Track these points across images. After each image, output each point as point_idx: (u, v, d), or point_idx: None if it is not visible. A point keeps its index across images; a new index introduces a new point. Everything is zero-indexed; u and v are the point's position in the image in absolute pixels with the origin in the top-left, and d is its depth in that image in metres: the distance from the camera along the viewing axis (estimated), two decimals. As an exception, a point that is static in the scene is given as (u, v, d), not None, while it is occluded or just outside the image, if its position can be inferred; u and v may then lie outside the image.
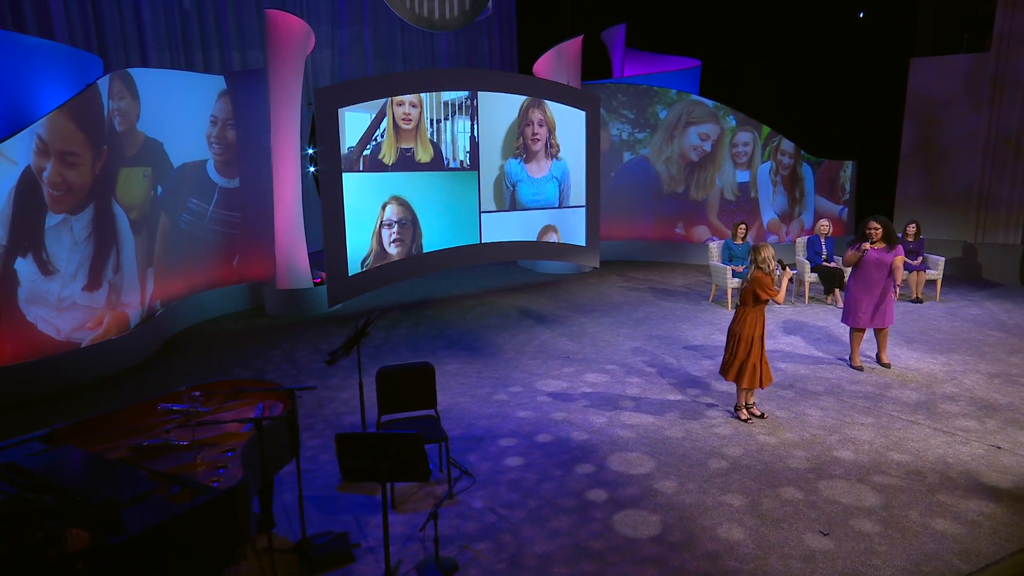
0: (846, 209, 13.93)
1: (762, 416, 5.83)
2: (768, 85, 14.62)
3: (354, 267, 9.35)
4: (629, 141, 13.50)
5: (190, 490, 2.90)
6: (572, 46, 12.09)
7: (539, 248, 11.41)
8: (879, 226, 6.74)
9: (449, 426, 5.81)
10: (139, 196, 8.28)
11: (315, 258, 10.56)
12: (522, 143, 10.80)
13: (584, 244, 11.84)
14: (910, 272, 9.69)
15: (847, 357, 7.20)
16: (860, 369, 6.95)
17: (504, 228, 10.79)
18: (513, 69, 16.89)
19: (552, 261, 11.98)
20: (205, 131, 9.57)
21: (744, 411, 5.75)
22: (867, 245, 6.73)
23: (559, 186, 11.37)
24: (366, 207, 9.39)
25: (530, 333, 8.56)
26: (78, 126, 7.09)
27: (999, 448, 5.12)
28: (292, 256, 9.83)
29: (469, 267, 12.36)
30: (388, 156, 9.52)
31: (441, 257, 10.24)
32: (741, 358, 5.58)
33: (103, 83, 7.56)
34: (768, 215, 13.18)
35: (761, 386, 5.63)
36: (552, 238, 11.37)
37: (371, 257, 9.47)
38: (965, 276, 11.42)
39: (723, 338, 8.08)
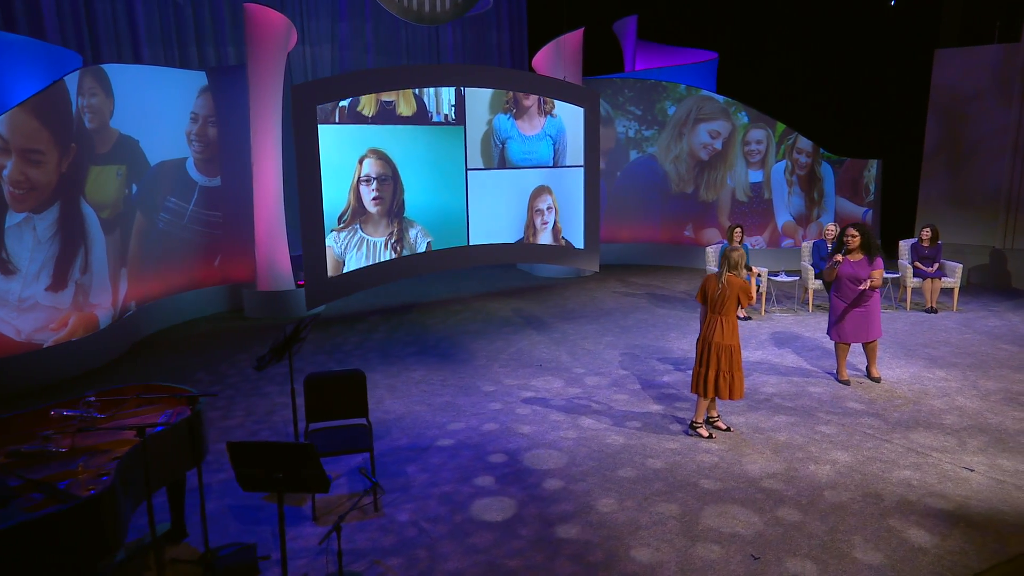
0: (870, 211, 13.63)
1: (727, 430, 5.76)
2: (787, 79, 14.41)
3: (331, 223, 9.26)
4: (636, 139, 13.43)
5: (51, 498, 2.98)
6: (572, 39, 12.07)
7: (535, 251, 11.40)
8: (857, 233, 6.57)
9: (396, 435, 5.86)
10: (111, 195, 8.50)
11: (300, 261, 10.70)
12: (512, 98, 10.72)
13: (582, 247, 11.80)
14: (924, 280, 9.47)
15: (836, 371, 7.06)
16: (847, 383, 6.81)
17: (493, 187, 10.65)
18: (522, 63, 16.91)
19: (549, 265, 11.98)
20: (185, 128, 9.79)
21: (704, 427, 5.67)
22: (840, 257, 6.57)
23: (553, 144, 11.24)
24: (342, 161, 9.28)
25: (508, 340, 8.57)
26: (42, 123, 7.31)
27: (971, 471, 4.97)
28: (273, 257, 9.99)
29: (463, 270, 12.43)
30: (368, 108, 9.47)
31: (430, 260, 10.30)
32: (719, 368, 5.50)
33: (71, 79, 7.79)
34: (783, 217, 12.99)
35: (732, 398, 5.55)
36: (546, 201, 11.22)
37: (348, 213, 9.39)
38: (992, 284, 11.10)
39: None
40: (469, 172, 10.40)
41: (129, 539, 4.18)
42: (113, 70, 8.61)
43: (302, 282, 10.24)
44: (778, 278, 9.64)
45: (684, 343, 8.27)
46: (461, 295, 11.13)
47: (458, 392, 6.83)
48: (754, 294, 5.56)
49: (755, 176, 12.91)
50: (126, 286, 8.81)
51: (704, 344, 5.54)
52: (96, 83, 8.27)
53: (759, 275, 5.69)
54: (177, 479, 4.09)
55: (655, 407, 6.33)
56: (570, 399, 6.59)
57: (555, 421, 6.06)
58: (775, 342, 8.24)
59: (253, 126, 9.64)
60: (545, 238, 11.35)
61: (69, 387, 7.21)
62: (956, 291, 9.54)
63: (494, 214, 10.78)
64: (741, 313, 9.29)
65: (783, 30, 14.32)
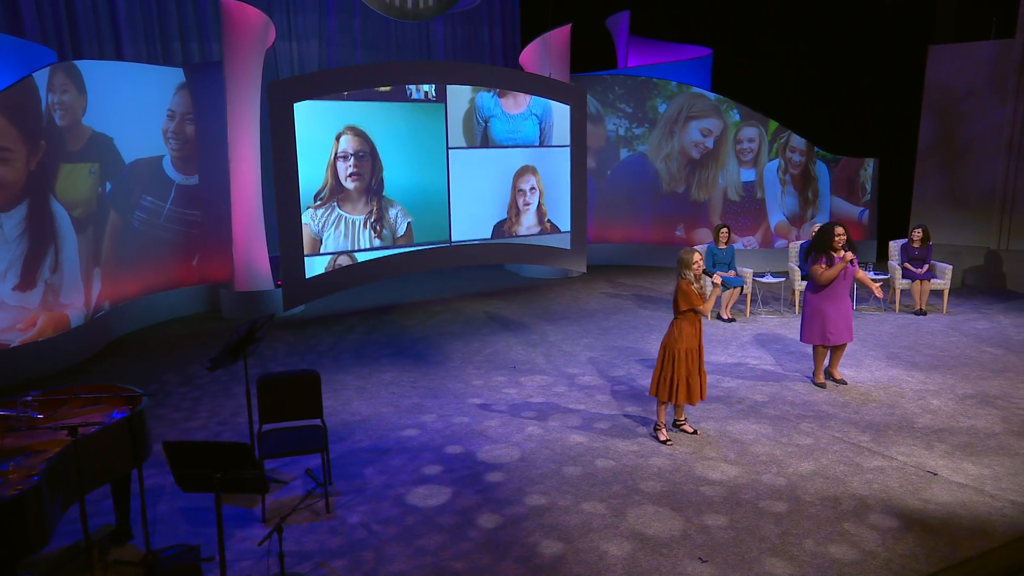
0: (867, 211, 13.67)
1: (694, 433, 5.81)
2: (782, 76, 14.44)
3: (307, 200, 9.30)
4: (626, 137, 13.48)
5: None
6: (559, 36, 12.13)
7: (522, 252, 11.46)
8: (844, 231, 6.62)
9: (359, 437, 5.93)
10: (84, 193, 8.59)
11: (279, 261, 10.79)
12: None
13: (569, 247, 11.86)
14: (913, 281, 9.49)
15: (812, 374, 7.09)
16: (823, 387, 6.85)
17: (475, 166, 10.66)
18: (514, 60, 16.97)
19: (536, 265, 12.03)
20: (162, 126, 9.88)
21: (664, 431, 5.72)
22: (849, 254, 6.56)
23: (539, 123, 11.24)
24: (319, 137, 9.33)
25: (485, 341, 8.63)
26: (9, 120, 7.41)
27: (934, 475, 5.02)
28: (251, 257, 10.07)
29: (449, 270, 12.49)
30: None
31: (413, 261, 10.36)
32: (675, 373, 5.55)
33: (40, 76, 7.88)
34: (776, 217, 13.03)
35: (691, 402, 5.60)
36: (530, 181, 11.22)
37: (326, 191, 9.43)
38: (987, 286, 11.12)
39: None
40: (451, 151, 10.42)
41: (72, 540, 4.25)
42: (86, 66, 8.70)
43: (281, 282, 10.33)
44: (764, 279, 9.68)
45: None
46: (444, 296, 11.20)
47: (427, 394, 6.90)
48: (699, 300, 5.43)
49: (747, 175, 12.94)
50: (100, 286, 8.90)
51: (661, 347, 5.63)
52: (68, 80, 8.37)
53: (719, 283, 5.63)
54: (120, 480, 4.15)
55: (627, 409, 6.38)
56: (540, 401, 6.64)
57: (521, 423, 6.12)
58: (755, 344, 8.29)
59: (230, 124, 9.72)
60: (528, 219, 11.34)
61: (35, 387, 7.28)
62: (946, 293, 9.56)
63: (476, 194, 10.79)
64: (725, 315, 9.33)
65: (778, 25, 14.35)
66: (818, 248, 6.64)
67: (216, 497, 3.72)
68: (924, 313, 9.43)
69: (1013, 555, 4.05)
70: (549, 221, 11.61)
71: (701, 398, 5.65)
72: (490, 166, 10.87)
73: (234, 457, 3.61)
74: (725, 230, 9.58)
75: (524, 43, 17.25)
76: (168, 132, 9.96)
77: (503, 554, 4.22)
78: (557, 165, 11.54)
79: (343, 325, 9.57)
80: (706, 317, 5.67)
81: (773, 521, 4.48)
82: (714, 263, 9.58)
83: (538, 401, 6.65)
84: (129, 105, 9.33)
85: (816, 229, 9.70)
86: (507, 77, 10.98)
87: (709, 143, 12.97)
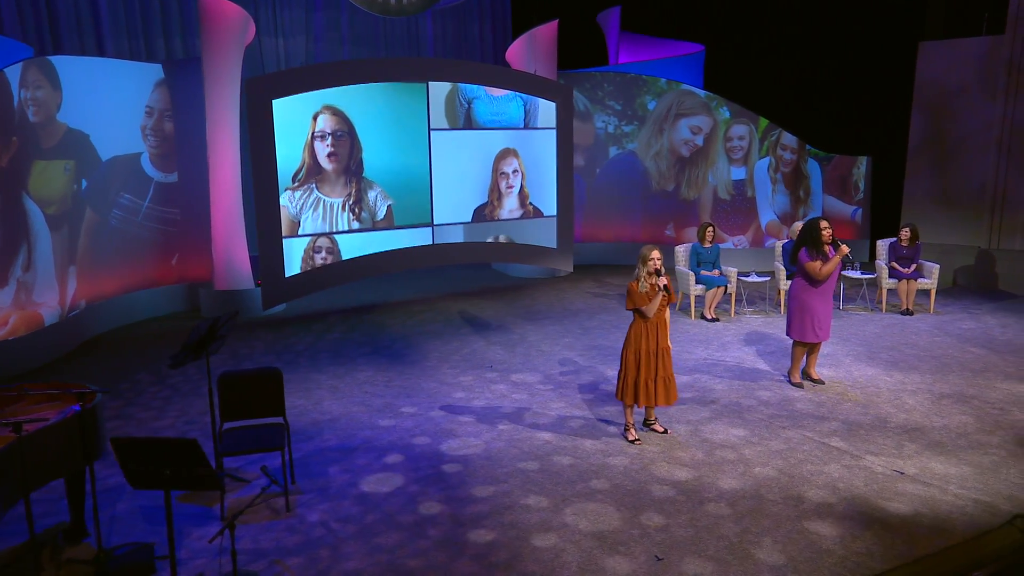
0: (860, 210, 13.73)
1: (664, 432, 5.87)
2: (774, 72, 14.49)
3: (285, 181, 9.32)
4: (615, 134, 13.54)
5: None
6: (545, 31, 12.21)
7: (506, 250, 11.52)
8: (828, 225, 6.69)
9: (328, 436, 6.00)
10: (58, 190, 8.66)
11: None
12: None
13: (555, 246, 11.91)
14: (900, 281, 9.55)
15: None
16: (800, 386, 6.90)
17: (457, 147, 10.63)
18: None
19: (522, 264, 12.09)
20: (140, 122, 9.95)
21: (632, 431, 5.77)
22: (845, 248, 6.60)
23: (524, 105, 11.24)
24: (295, 116, 9.33)
25: (464, 341, 8.69)
26: (-20, 117, 7.49)
27: (901, 474, 5.07)
28: (231, 255, 10.13)
29: (434, 269, 12.54)
30: None
31: (396, 260, 10.42)
32: (626, 375, 5.62)
33: (12, 72, 7.95)
34: (767, 216, 13.08)
35: (656, 404, 5.65)
36: (512, 164, 11.20)
37: (303, 171, 9.44)
38: (978, 286, 11.17)
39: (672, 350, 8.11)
40: (432, 132, 10.44)
41: (24, 539, 4.31)
42: (61, 62, 8.77)
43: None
44: (749, 278, 9.74)
45: (644, 345, 8.38)
46: (427, 295, 11.26)
47: (400, 393, 6.96)
48: (643, 300, 5.43)
49: (738, 173, 13.00)
50: (75, 284, 8.96)
51: (622, 349, 5.75)
52: (41, 75, 8.43)
53: (665, 285, 5.54)
54: (73, 477, 4.22)
55: (601, 409, 6.44)
56: (513, 400, 6.70)
57: (491, 423, 6.18)
58: (737, 343, 8.34)
59: (209, 121, 9.78)
60: (511, 203, 11.32)
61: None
62: (933, 292, 9.62)
63: (459, 177, 10.77)
64: (709, 315, 9.38)
65: (770, 21, 14.41)
66: (808, 245, 6.66)
67: (166, 494, 3.78)
68: (911, 313, 9.48)
69: (968, 553, 4.11)
70: (531, 204, 11.59)
71: (666, 402, 5.67)
72: (473, 148, 10.83)
73: (183, 454, 3.68)
74: (710, 229, 9.64)
75: (515, 39, 17.34)
76: (146, 129, 10.03)
77: (459, 552, 4.28)
78: (540, 148, 11.51)
79: (323, 324, 9.64)
80: (646, 319, 5.48)
81: (734, 520, 4.54)
82: (698, 262, 9.65)
83: (511, 400, 6.71)
84: (106, 101, 9.39)
85: (798, 228, 9.78)
86: (491, 74, 11.05)
87: (699, 141, 13.03)
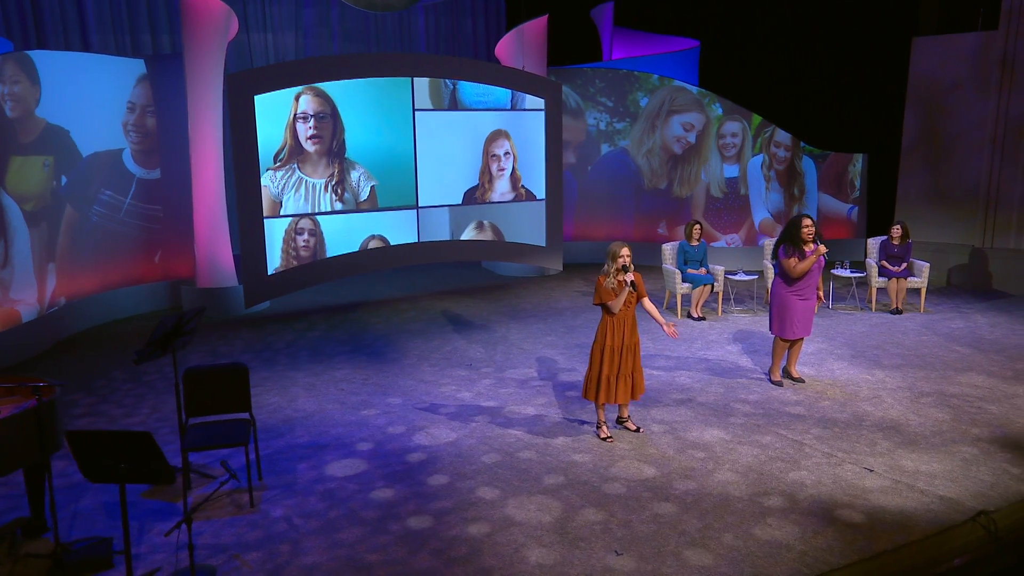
0: (856, 208, 13.78)
1: (637, 430, 5.94)
2: (769, 68, 14.56)
3: (266, 162, 9.42)
4: (607, 131, 13.61)
5: None
6: (535, 27, 12.27)
7: (494, 248, 11.60)
8: (812, 223, 6.76)
9: (299, 433, 6.08)
10: (36, 186, 8.75)
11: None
12: None
13: (544, 244, 11.98)
14: (890, 279, 9.60)
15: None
16: (779, 384, 6.97)
17: (444, 128, 10.69)
18: (498, 53, 17.12)
19: (512, 263, 12.16)
20: (121, 118, 10.04)
21: (604, 429, 5.84)
22: (823, 248, 6.70)
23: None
24: (277, 97, 9.42)
25: (446, 339, 8.77)
26: (-44, 112, 7.58)
27: (871, 471, 5.14)
28: (214, 252, 10.21)
29: (424, 268, 12.61)
30: None
31: (381, 258, 10.50)
32: (590, 371, 5.69)
33: (-10, 67, 8.06)
34: (760, 214, 13.14)
35: (619, 401, 5.72)
36: (503, 146, 11.24)
37: (285, 152, 9.52)
38: (972, 285, 11.22)
39: (654, 348, 8.20)
40: (417, 113, 10.49)
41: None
42: (40, 57, 8.86)
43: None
44: (736, 277, 9.80)
45: (627, 343, 8.45)
46: (414, 293, 11.33)
47: (376, 391, 7.04)
48: (609, 295, 5.52)
49: (731, 171, 13.06)
50: (54, 281, 9.05)
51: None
52: (19, 70, 8.53)
53: (632, 281, 5.62)
54: (32, 472, 4.30)
55: (575, 408, 6.51)
56: (487, 399, 6.78)
57: (465, 420, 6.26)
58: (722, 342, 8.41)
59: (191, 117, 9.86)
60: (502, 186, 11.35)
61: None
62: (923, 291, 9.68)
63: (446, 159, 10.82)
64: (696, 313, 9.45)
65: (763, 16, 14.47)
66: (788, 241, 6.75)
67: (121, 487, 3.86)
68: (900, 312, 9.53)
69: (928, 550, 4.17)
70: (524, 187, 11.63)
71: (630, 399, 5.79)
72: (460, 130, 10.86)
73: (137, 447, 3.76)
74: (697, 226, 9.71)
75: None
76: (128, 125, 10.12)
77: (419, 546, 4.36)
78: (531, 129, 11.54)
79: (305, 322, 9.72)
80: (612, 314, 5.56)
81: (697, 516, 4.61)
82: (685, 260, 9.71)
83: (487, 398, 6.79)
84: (86, 97, 9.48)
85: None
86: (478, 70, 11.13)
87: (691, 138, 13.09)
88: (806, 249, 6.63)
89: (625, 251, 5.52)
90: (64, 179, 9.23)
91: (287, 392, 7.07)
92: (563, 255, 12.34)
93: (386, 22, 16.31)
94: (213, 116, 9.95)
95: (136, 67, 10.16)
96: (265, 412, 6.53)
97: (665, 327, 5.75)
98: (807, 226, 6.68)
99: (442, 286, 11.85)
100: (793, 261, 6.60)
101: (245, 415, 5.17)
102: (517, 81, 11.37)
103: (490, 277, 12.67)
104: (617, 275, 5.55)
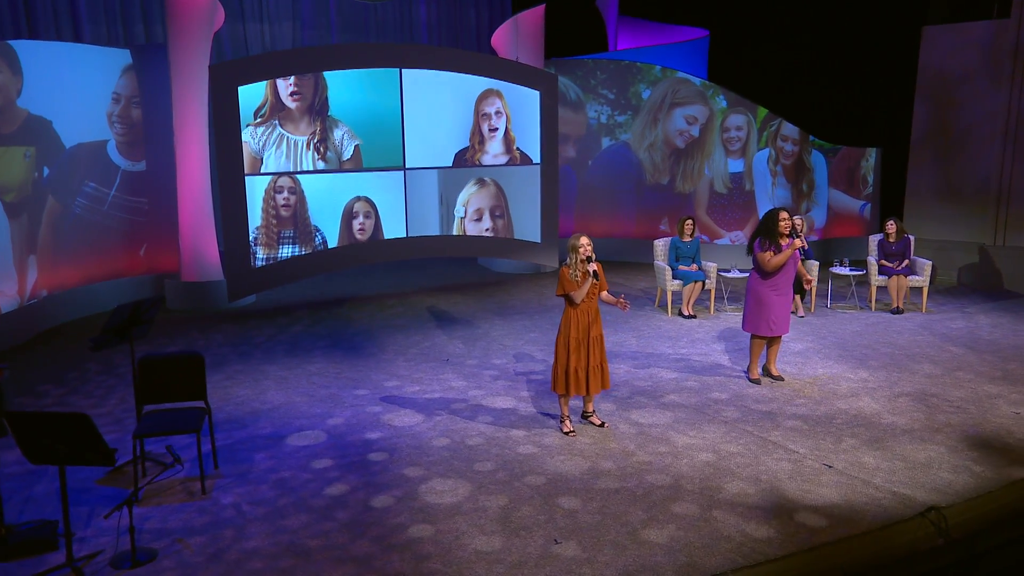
0: (868, 205, 13.82)
1: (602, 425, 6.11)
2: (778, 60, 14.62)
3: (247, 117, 9.66)
4: (608, 124, 13.77)
5: None
6: (531, 16, 12.47)
7: (488, 244, 11.81)
8: (789, 217, 6.91)
9: (263, 424, 6.32)
10: (17, 177, 9.08)
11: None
12: None
13: (539, 241, 12.17)
14: (889, 277, 9.67)
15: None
16: (758, 382, 7.10)
17: (432, 88, 10.83)
18: (501, 43, 17.31)
19: (508, 260, 12.35)
20: (106, 109, 10.37)
21: (568, 423, 6.02)
22: (799, 241, 6.89)
23: None
24: None
25: (428, 335, 8.99)
26: (-66, 102, 7.91)
27: (829, 467, 5.27)
28: (199, 246, 10.51)
29: (415, 263, 12.83)
30: None
31: (369, 252, 10.74)
32: (557, 363, 5.88)
33: (-30, 58, 8.39)
34: (766, 211, 13.19)
35: (587, 392, 5.91)
36: (495, 104, 11.37)
37: (266, 108, 9.76)
38: (982, 285, 11.23)
39: (637, 345, 8.36)
40: (404, 71, 10.62)
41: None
42: (22, 46, 9.19)
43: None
44: (730, 275, 9.92)
45: (612, 340, 8.59)
46: (403, 290, 11.56)
47: (347, 384, 7.27)
48: (572, 286, 5.72)
49: (735, 166, 13.16)
50: (35, 273, 9.38)
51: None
52: (0, 60, 8.86)
53: (595, 271, 5.80)
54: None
55: (545, 403, 6.69)
56: (460, 394, 6.98)
57: (430, 414, 6.47)
58: (708, 340, 8.54)
59: (176, 108, 10.16)
60: (495, 147, 11.44)
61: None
62: (925, 290, 9.73)
63: (434, 118, 10.96)
64: (686, 311, 9.58)
65: (770, 6, 14.53)
66: (763, 235, 6.91)
67: (60, 470, 4.12)
68: (901, 311, 9.60)
69: (871, 544, 4.30)
70: (518, 149, 11.73)
71: (598, 390, 5.98)
72: (449, 88, 10.98)
73: (74, 428, 4.00)
74: (690, 222, 9.85)
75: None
76: (113, 116, 10.45)
77: (361, 533, 4.57)
78: (524, 96, 11.63)
79: (289, 317, 9.98)
80: (575, 305, 5.79)
81: (643, 509, 4.78)
82: (677, 257, 9.85)
83: (457, 392, 6.99)
84: (70, 87, 9.80)
85: (800, 222, 9.95)
86: (469, 61, 11.33)
87: (694, 131, 13.21)
88: (782, 243, 6.78)
89: (584, 240, 5.73)
90: (46, 170, 9.56)
91: (258, 385, 7.31)
92: (559, 252, 12.51)
93: (386, 12, 16.54)
94: (198, 108, 10.24)
95: (122, 57, 10.48)
96: (232, 404, 6.78)
97: (618, 303, 5.92)
98: (784, 219, 6.84)
99: (433, 282, 12.06)
100: (768, 255, 6.75)
101: (200, 403, 5.41)
102: (511, 73, 11.55)
103: (484, 274, 12.86)
104: (581, 266, 5.74)
